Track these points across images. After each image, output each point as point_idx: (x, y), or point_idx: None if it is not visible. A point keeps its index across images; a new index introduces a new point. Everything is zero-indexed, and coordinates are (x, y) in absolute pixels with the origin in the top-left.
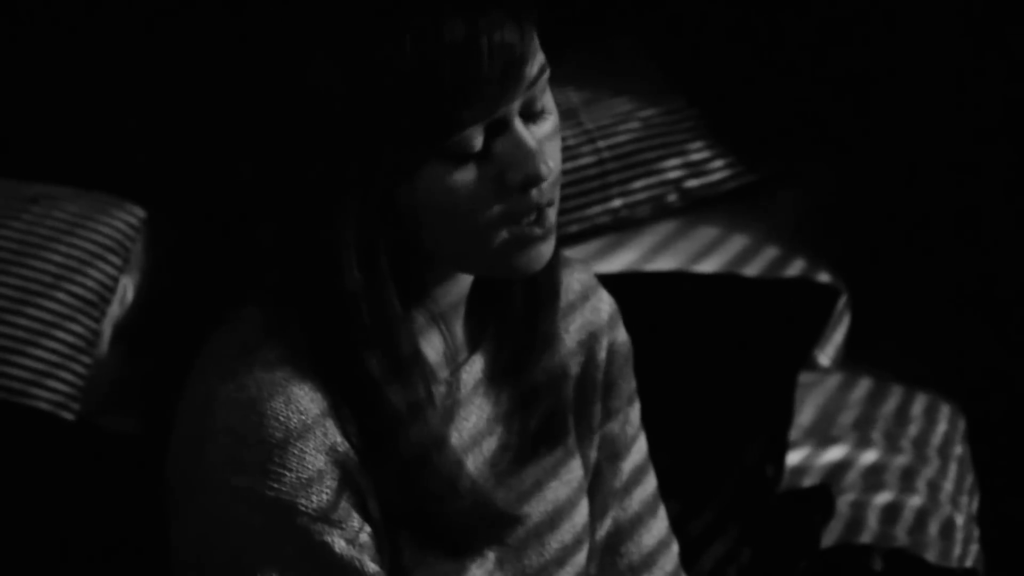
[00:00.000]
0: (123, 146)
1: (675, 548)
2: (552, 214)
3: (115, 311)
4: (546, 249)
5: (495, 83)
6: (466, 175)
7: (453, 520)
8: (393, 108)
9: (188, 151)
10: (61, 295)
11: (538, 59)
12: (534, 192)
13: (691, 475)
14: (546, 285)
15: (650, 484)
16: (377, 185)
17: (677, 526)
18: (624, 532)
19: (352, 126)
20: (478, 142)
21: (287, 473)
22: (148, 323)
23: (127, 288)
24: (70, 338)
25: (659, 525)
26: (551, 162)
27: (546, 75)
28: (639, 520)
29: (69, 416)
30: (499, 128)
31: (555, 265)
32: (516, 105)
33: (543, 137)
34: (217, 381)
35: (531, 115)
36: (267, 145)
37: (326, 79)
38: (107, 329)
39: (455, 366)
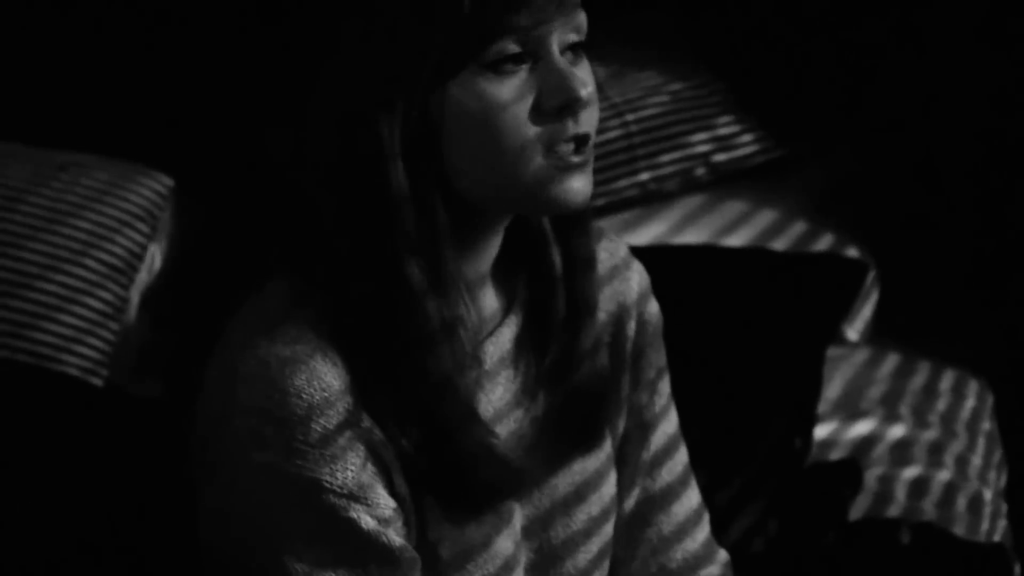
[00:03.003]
0: (152, 114)
1: (707, 520)
2: (590, 149)
3: (143, 278)
4: (584, 182)
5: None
6: (502, 90)
7: (480, 485)
8: (437, 9)
9: (217, 120)
10: (90, 262)
11: None
12: (571, 122)
13: (719, 447)
14: (582, 251)
15: (681, 456)
16: (419, 90)
17: (705, 497)
18: (655, 504)
19: (396, 28)
20: (518, 59)
21: (311, 449)
22: (176, 291)
23: (155, 256)
24: (99, 304)
25: (691, 496)
26: (590, 87)
27: (584, 18)
28: (670, 492)
29: (98, 382)
30: (538, 55)
31: (589, 230)
32: (556, 30)
33: (582, 74)
34: (240, 357)
35: (571, 59)
36: (306, 59)
37: None
38: (135, 296)
39: (477, 340)
